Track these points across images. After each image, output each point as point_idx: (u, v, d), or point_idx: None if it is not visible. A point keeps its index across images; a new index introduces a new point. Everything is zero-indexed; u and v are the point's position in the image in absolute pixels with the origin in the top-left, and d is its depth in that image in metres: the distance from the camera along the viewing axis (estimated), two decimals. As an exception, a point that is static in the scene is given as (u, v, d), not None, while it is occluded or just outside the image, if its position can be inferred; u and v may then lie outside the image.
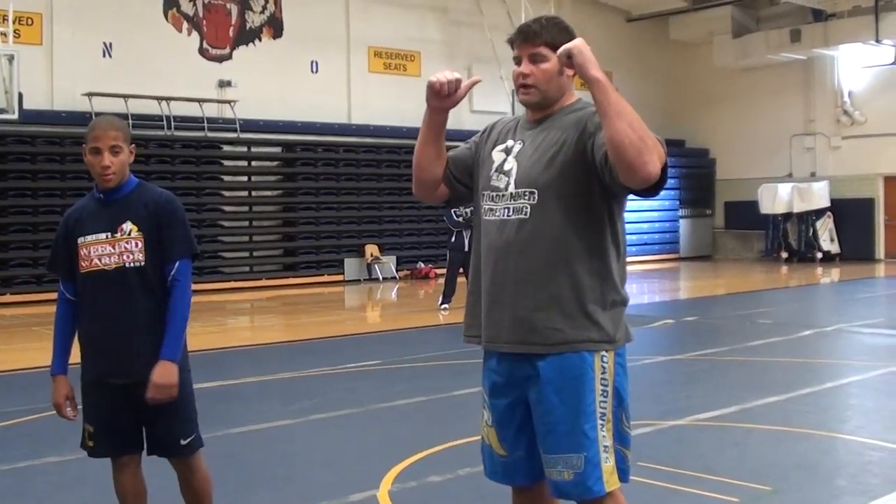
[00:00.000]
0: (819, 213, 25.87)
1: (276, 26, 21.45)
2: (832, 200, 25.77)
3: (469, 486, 5.37)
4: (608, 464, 3.24)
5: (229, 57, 20.75)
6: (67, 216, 4.09)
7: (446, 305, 14.74)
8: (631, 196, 3.26)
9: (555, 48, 3.26)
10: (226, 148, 20.40)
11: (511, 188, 3.33)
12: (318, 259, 21.52)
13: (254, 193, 21.08)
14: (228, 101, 20.17)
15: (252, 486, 5.64)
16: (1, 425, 7.35)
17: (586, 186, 3.24)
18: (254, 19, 21.13)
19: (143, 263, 3.93)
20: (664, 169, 3.06)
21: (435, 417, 7.58)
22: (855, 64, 25.87)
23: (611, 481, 3.24)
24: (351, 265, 21.75)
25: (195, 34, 20.32)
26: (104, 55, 18.94)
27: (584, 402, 3.23)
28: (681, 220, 28.35)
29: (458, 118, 23.76)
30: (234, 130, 20.10)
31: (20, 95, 16.55)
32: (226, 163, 20.61)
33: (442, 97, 3.38)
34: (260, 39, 21.21)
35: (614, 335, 3.29)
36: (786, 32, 25.42)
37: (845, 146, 26.28)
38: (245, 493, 5.48)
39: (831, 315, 14.52)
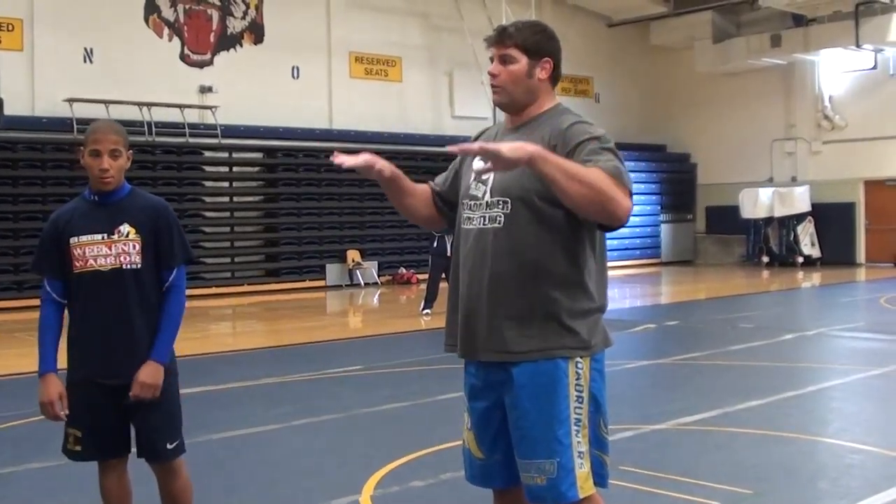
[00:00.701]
0: (800, 218, 25.96)
1: (257, 32, 21.40)
2: (813, 205, 25.84)
3: (451, 490, 5.38)
4: (583, 469, 3.23)
5: (210, 62, 20.68)
6: (57, 217, 4.08)
7: (428, 311, 14.72)
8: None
9: (526, 51, 3.28)
10: (207, 154, 20.32)
11: (487, 196, 3.32)
12: (300, 265, 21.45)
13: (235, 199, 21.02)
14: (210, 107, 20.09)
15: (234, 491, 5.64)
16: (-19, 432, 7.31)
17: None
18: (235, 25, 21.08)
19: (139, 266, 3.97)
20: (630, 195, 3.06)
21: (417, 422, 7.58)
22: (835, 69, 25.98)
23: (585, 487, 3.23)
24: (333, 271, 21.71)
25: (176, 40, 20.25)
26: (85, 61, 18.85)
27: (558, 408, 3.22)
28: (662, 225, 28.36)
29: (440, 123, 23.84)
30: (216, 136, 20.01)
31: (0, 101, 16.48)
32: (207, 168, 20.54)
33: (372, 176, 3.40)
34: (241, 45, 21.16)
35: (590, 341, 3.27)
36: (766, 37, 25.51)
37: (826, 151, 26.38)
38: (227, 499, 5.47)
39: (812, 319, 14.58)
